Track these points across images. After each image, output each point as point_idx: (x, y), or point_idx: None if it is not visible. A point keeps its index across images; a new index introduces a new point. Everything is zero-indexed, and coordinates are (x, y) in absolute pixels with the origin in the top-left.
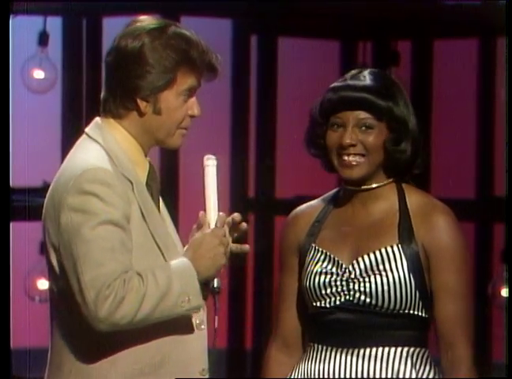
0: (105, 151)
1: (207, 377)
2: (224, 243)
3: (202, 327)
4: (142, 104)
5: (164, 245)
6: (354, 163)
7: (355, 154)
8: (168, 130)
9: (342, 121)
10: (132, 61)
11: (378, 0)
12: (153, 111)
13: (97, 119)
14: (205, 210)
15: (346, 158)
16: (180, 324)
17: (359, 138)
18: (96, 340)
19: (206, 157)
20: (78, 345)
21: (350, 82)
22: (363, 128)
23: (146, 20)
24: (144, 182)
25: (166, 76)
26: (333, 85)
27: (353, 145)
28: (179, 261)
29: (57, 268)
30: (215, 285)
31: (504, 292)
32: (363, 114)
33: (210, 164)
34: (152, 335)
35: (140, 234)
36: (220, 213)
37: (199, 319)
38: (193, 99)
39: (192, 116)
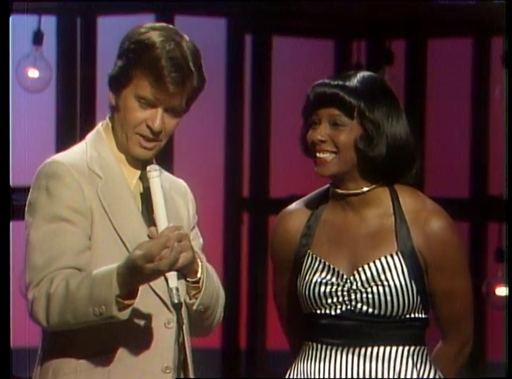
0: (86, 147)
1: (172, 374)
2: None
3: (171, 325)
4: (111, 95)
5: (133, 242)
6: (324, 160)
7: (325, 151)
8: (126, 132)
9: (318, 118)
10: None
11: None
12: (115, 106)
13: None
14: (155, 224)
15: (318, 155)
16: (143, 322)
17: (330, 135)
18: (61, 341)
19: (148, 168)
20: (51, 344)
21: (327, 80)
22: (334, 125)
23: (169, 28)
24: (133, 181)
25: (124, 73)
26: (314, 84)
27: (323, 141)
28: (107, 269)
29: None
30: (175, 301)
31: (500, 291)
32: (334, 111)
33: (154, 176)
34: (115, 332)
35: (100, 229)
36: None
37: (166, 318)
38: (155, 111)
39: (150, 128)
